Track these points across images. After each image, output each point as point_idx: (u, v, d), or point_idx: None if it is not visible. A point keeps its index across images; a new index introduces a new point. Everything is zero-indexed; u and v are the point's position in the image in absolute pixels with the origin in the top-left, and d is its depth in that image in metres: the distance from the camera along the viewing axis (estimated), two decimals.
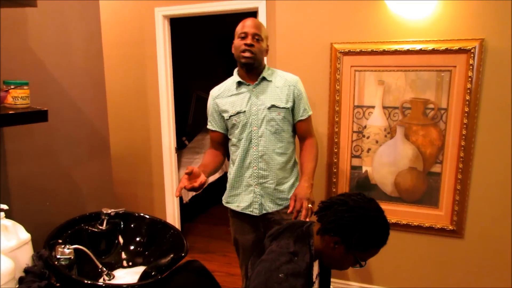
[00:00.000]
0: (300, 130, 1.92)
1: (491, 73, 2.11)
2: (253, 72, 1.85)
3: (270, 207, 1.88)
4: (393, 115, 2.34)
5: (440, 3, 2.14)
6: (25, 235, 1.43)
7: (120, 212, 1.86)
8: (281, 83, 1.87)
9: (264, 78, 1.86)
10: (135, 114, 3.09)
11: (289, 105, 1.84)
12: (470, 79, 2.13)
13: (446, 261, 2.38)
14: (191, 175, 1.65)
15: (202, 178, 1.68)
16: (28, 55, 1.65)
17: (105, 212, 1.81)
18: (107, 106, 2.17)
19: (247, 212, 1.90)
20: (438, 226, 2.34)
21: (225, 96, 1.90)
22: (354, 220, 1.17)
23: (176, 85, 3.11)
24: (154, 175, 3.14)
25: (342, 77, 2.39)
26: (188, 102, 5.46)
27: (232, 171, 1.93)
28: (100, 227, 1.80)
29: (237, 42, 1.82)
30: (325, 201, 1.28)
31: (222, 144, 2.01)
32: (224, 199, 2.00)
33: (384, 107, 2.35)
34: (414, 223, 2.39)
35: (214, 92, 1.96)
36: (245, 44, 1.77)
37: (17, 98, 1.34)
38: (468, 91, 2.14)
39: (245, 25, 1.81)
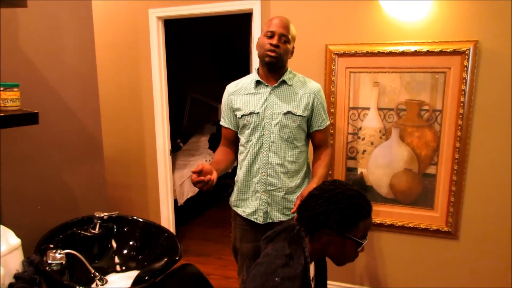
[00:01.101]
0: (316, 140, 1.87)
1: (485, 74, 2.11)
2: (274, 73, 1.78)
3: (277, 216, 1.81)
4: (388, 117, 2.34)
5: (435, 4, 2.14)
6: (15, 240, 1.40)
7: (113, 215, 1.83)
8: (302, 89, 1.80)
9: (284, 82, 1.79)
10: (129, 116, 3.07)
11: (306, 113, 1.78)
12: (464, 80, 2.13)
13: (441, 263, 2.38)
14: (201, 174, 1.54)
15: (214, 175, 1.58)
16: (18, 57, 1.62)
17: (97, 215, 1.78)
18: (100, 107, 2.14)
19: (252, 219, 1.84)
20: (433, 227, 2.34)
21: (241, 94, 1.83)
22: (326, 204, 1.20)
23: (171, 87, 3.09)
24: (148, 178, 3.12)
25: (337, 78, 2.38)
26: (183, 104, 5.44)
27: (240, 175, 1.87)
28: (93, 231, 1.77)
29: (262, 40, 1.74)
30: (298, 205, 1.32)
31: (234, 142, 1.94)
32: (232, 202, 1.94)
33: (379, 109, 2.35)
34: (410, 225, 2.38)
35: (230, 88, 1.89)
36: (271, 44, 1.69)
37: (7, 100, 1.31)
38: (463, 92, 2.15)
39: (273, 24, 1.72)
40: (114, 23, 2.95)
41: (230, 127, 1.90)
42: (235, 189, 1.91)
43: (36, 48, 1.71)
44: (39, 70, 1.72)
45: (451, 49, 2.13)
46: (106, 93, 2.92)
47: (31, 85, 1.64)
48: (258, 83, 1.81)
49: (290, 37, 1.74)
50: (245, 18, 2.95)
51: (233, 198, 1.93)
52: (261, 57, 1.75)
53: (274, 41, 1.70)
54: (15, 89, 1.34)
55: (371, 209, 1.25)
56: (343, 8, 2.32)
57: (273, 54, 1.70)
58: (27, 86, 1.55)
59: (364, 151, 2.42)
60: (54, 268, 1.43)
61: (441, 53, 2.15)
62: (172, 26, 3.47)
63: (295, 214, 1.47)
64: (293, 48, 1.82)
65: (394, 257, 2.47)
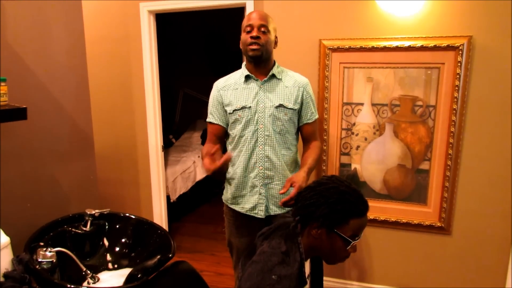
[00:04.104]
0: (305, 133, 1.88)
1: (479, 70, 2.12)
2: (261, 66, 1.78)
3: (274, 210, 1.83)
4: (382, 112, 2.34)
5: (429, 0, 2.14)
6: (4, 239, 1.38)
7: (105, 212, 1.81)
8: (291, 83, 1.81)
9: (273, 76, 1.80)
10: (120, 112, 3.02)
11: (297, 106, 1.80)
12: (458, 76, 2.14)
13: (434, 258, 2.39)
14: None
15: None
16: (5, 50, 1.58)
17: (89, 213, 1.76)
18: (91, 103, 2.11)
19: (252, 214, 1.83)
20: (426, 223, 2.35)
21: (231, 89, 1.83)
22: (316, 196, 1.19)
23: (163, 82, 3.05)
24: (140, 174, 3.08)
25: (331, 74, 2.37)
26: (175, 100, 5.39)
27: (238, 171, 1.84)
28: (84, 229, 1.75)
29: (244, 36, 1.74)
30: (295, 195, 1.31)
31: (222, 139, 1.93)
32: (228, 200, 1.91)
33: (373, 104, 2.34)
34: (403, 220, 2.39)
35: (220, 83, 1.88)
36: (251, 37, 1.70)
37: None
38: (456, 88, 2.15)
39: (251, 18, 1.73)
40: (105, 17, 2.90)
41: (219, 123, 1.88)
42: (231, 186, 1.89)
43: (23, 42, 1.67)
44: (27, 65, 1.68)
45: (445, 45, 2.13)
46: (97, 88, 2.86)
47: (19, 80, 1.61)
48: (247, 77, 1.81)
49: (270, 27, 1.75)
50: (237, 13, 2.92)
51: (228, 195, 1.91)
52: (245, 53, 1.76)
53: (254, 33, 1.71)
54: (3, 84, 1.31)
55: (366, 209, 1.21)
56: (337, 3, 2.30)
57: (255, 46, 1.71)
58: (15, 81, 1.51)
59: (358, 146, 2.42)
60: (45, 266, 1.40)
61: (435, 48, 2.15)
62: (164, 21, 3.43)
63: (290, 210, 1.46)
64: (276, 38, 1.83)
65: (388, 252, 2.48)
